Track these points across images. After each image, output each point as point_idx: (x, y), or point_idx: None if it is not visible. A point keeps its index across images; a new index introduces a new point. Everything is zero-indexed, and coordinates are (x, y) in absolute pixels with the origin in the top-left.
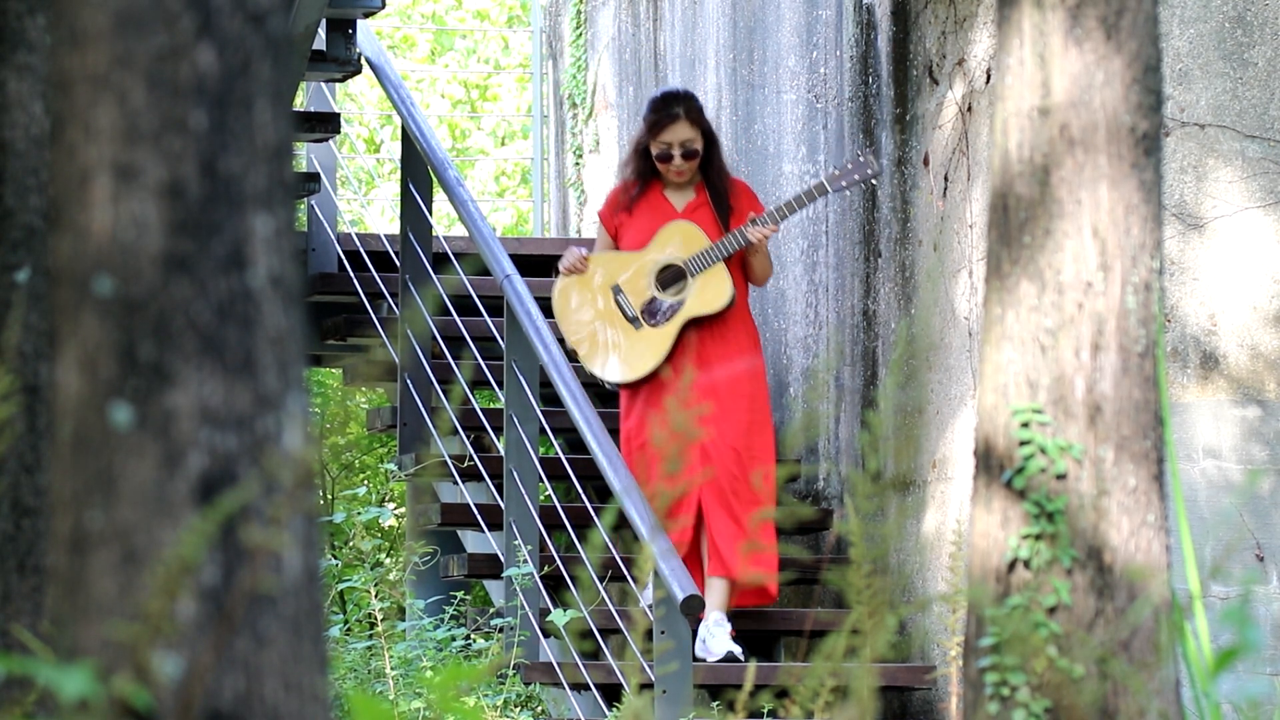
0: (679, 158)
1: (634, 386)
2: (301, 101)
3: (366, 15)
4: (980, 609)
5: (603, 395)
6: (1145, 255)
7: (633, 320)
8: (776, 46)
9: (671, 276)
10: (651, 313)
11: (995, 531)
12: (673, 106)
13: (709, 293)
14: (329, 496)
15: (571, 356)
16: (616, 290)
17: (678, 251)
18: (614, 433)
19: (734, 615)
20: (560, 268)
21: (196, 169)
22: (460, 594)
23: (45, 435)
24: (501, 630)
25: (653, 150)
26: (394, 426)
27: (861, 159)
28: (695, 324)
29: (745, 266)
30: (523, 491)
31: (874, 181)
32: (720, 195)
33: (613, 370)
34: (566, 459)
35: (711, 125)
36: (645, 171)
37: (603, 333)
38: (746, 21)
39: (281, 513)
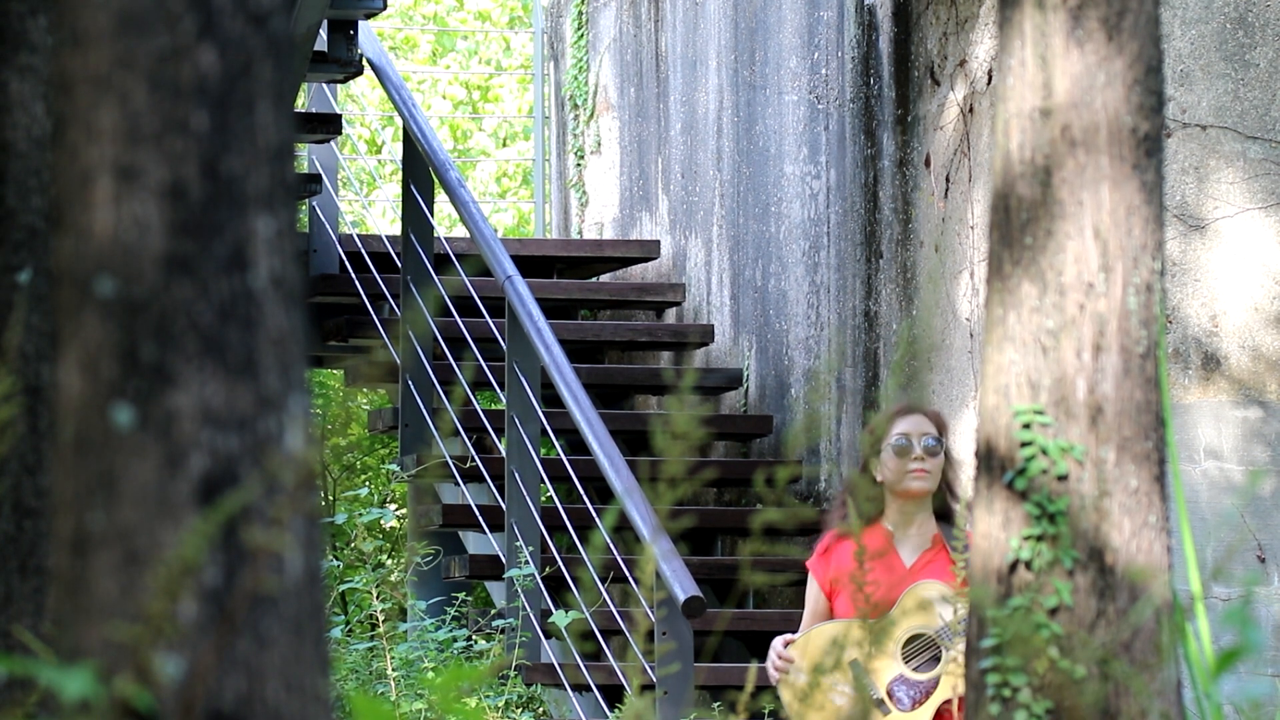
0: (919, 449)
1: None
2: (303, 103)
3: (368, 16)
4: (982, 610)
5: (604, 396)
6: (1147, 256)
7: (878, 703)
8: (778, 47)
9: (921, 648)
10: (900, 693)
11: (996, 532)
12: (910, 401)
13: None
14: (331, 498)
15: None
16: (854, 665)
17: (925, 619)
18: (615, 434)
19: (736, 615)
20: (771, 675)
21: (198, 170)
22: (462, 595)
23: (47, 436)
24: (503, 631)
25: (888, 443)
26: (395, 427)
27: None
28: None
29: None
30: (524, 492)
31: None
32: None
33: None
34: (568, 460)
35: (951, 446)
36: (863, 508)
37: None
38: (748, 22)
39: (283, 514)
